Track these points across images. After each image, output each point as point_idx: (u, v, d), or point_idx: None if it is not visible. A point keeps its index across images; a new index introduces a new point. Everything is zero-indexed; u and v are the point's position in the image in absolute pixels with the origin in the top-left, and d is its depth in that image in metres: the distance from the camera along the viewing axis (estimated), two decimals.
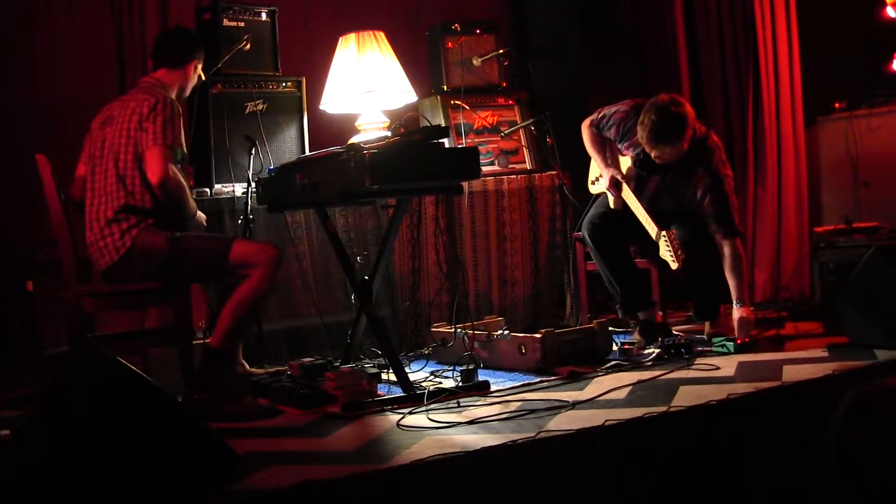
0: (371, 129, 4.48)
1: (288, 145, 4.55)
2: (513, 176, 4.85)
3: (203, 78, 3.80)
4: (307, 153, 4.40)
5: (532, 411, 3.00)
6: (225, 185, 4.34)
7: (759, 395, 3.08)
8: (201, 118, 4.34)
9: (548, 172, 4.90)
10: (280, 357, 4.25)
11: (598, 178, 4.35)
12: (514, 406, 3.12)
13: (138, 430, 2.20)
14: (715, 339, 3.92)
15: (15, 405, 3.63)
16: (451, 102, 4.87)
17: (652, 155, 3.96)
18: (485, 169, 4.62)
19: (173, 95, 3.56)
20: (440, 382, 3.60)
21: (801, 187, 5.35)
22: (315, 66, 4.85)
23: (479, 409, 3.13)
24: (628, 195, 4.11)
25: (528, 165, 4.96)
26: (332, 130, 4.84)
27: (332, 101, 4.54)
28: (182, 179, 3.42)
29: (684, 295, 4.79)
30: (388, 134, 4.17)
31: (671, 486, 2.78)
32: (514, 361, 3.80)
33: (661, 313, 4.35)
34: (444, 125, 4.60)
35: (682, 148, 3.93)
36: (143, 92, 3.48)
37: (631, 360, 3.77)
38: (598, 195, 4.38)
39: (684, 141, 3.91)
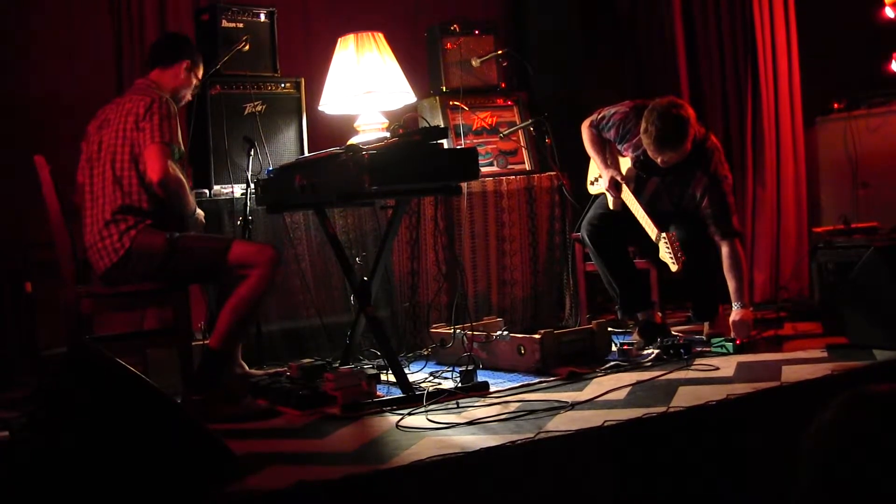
0: (370, 129, 4.48)
1: (287, 146, 4.55)
2: (512, 177, 4.85)
3: (199, 80, 3.79)
4: (306, 154, 4.40)
5: (531, 412, 3.00)
6: (224, 186, 4.34)
7: (759, 395, 3.07)
8: (200, 119, 4.34)
9: (547, 173, 4.90)
10: (279, 358, 4.24)
11: (598, 178, 4.35)
12: (513, 407, 3.12)
13: (136, 431, 2.19)
14: (714, 340, 3.92)
15: (12, 406, 3.63)
16: (450, 103, 4.87)
17: (657, 161, 3.95)
18: (484, 170, 4.62)
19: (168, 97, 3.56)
20: (439, 383, 3.59)
21: (799, 187, 5.35)
22: (314, 67, 4.85)
23: (479, 409, 3.12)
24: (628, 196, 4.11)
25: (527, 166, 4.96)
26: (331, 131, 4.84)
27: (331, 102, 4.54)
28: (181, 176, 3.42)
29: (683, 295, 4.78)
30: (387, 135, 4.16)
31: (670, 487, 2.78)
32: (513, 362, 3.80)
33: (660, 314, 4.35)
34: (442, 126, 4.60)
35: (685, 150, 3.93)
36: (137, 93, 3.48)
37: (630, 361, 3.77)
38: (597, 196, 4.38)
39: (688, 143, 3.91)
